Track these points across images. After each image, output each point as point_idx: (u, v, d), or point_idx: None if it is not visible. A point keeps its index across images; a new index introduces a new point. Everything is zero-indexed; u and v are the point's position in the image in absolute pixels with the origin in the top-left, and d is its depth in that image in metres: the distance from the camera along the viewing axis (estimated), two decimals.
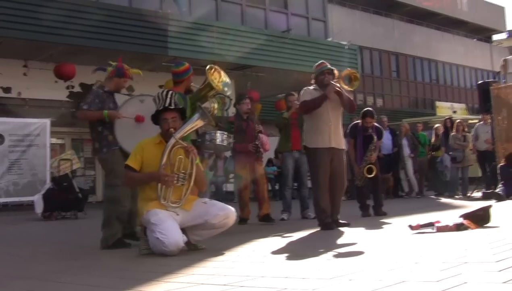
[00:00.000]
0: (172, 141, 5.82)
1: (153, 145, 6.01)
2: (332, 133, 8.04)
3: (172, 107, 6.01)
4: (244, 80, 19.60)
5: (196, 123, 6.19)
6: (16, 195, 15.33)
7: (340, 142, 8.20)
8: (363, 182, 10.42)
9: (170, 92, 6.18)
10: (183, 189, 5.89)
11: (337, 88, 7.87)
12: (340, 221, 8.19)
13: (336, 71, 8.22)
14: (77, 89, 17.69)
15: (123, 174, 6.14)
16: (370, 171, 10.25)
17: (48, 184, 13.79)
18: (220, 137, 8.30)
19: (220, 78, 7.61)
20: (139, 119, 6.82)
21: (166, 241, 5.51)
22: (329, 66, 8.22)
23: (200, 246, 6.06)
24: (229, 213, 6.02)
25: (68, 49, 15.77)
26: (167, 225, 5.61)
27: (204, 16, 19.04)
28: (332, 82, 7.94)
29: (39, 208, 12.50)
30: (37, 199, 12.68)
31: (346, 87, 8.06)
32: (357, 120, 11.12)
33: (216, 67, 7.82)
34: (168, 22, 17.53)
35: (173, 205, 5.82)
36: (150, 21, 17.01)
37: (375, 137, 10.32)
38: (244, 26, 19.96)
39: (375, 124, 10.71)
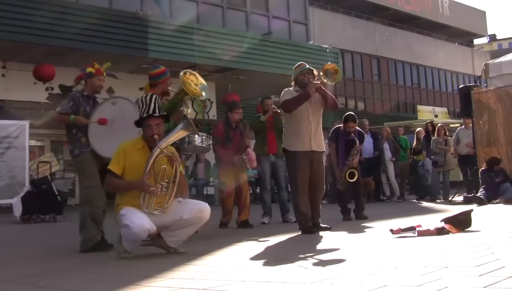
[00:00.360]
0: (156, 150, 5.80)
1: (135, 150, 5.97)
2: (312, 136, 8.04)
3: (157, 115, 5.98)
4: (225, 83, 19.59)
5: (180, 132, 6.22)
6: None
7: (320, 145, 8.20)
8: (344, 186, 10.41)
9: (154, 96, 6.15)
10: (165, 196, 5.89)
11: (319, 86, 7.87)
12: (322, 225, 8.18)
13: (315, 72, 8.19)
14: (57, 91, 17.59)
15: (93, 176, 6.23)
16: (352, 175, 10.24)
17: (27, 187, 13.68)
18: (198, 139, 8.29)
19: (198, 81, 7.56)
20: (101, 122, 6.79)
21: (131, 224, 5.56)
22: (308, 66, 8.22)
23: (179, 250, 6.05)
24: (203, 207, 6.07)
25: (48, 50, 15.68)
26: (134, 214, 5.69)
27: (185, 18, 19.00)
28: (313, 80, 7.93)
29: (17, 210, 12.40)
30: (16, 202, 12.58)
31: (328, 82, 8.11)
32: (339, 124, 11.12)
33: (190, 71, 7.77)
34: (149, 24, 17.48)
35: (156, 212, 5.82)
36: (130, 22, 16.96)
37: (357, 141, 10.30)
38: (225, 29, 19.96)
39: (357, 128, 10.69)
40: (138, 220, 5.61)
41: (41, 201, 12.87)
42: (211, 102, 21.22)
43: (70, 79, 16.78)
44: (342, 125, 10.62)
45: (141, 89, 8.04)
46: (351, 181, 10.27)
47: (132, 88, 15.25)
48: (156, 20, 17.73)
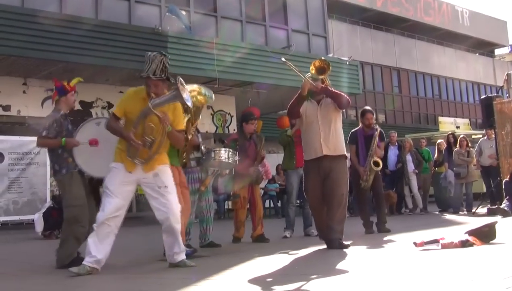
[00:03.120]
0: (147, 109, 6.07)
1: (138, 98, 6.29)
2: (323, 141, 7.74)
3: (154, 79, 6.21)
4: (244, 97, 19.61)
5: (172, 99, 6.24)
6: (16, 214, 15.30)
7: (335, 148, 7.83)
8: (368, 183, 10.32)
9: (160, 57, 6.34)
10: (150, 151, 6.15)
11: (320, 86, 7.68)
12: (343, 242, 7.65)
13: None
14: (77, 107, 17.69)
15: (80, 196, 6.58)
16: (376, 164, 10.21)
17: (48, 203, 13.73)
18: (224, 154, 8.32)
19: (196, 88, 7.60)
20: (92, 143, 6.87)
21: (100, 214, 6.05)
22: (310, 74, 7.87)
23: (188, 263, 6.27)
24: (169, 216, 6.20)
25: (67, 67, 15.79)
26: (111, 196, 6.08)
27: (204, 33, 19.06)
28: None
29: (39, 226, 12.45)
30: (37, 218, 12.63)
31: (321, 77, 7.73)
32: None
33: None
34: (168, 39, 17.55)
35: (137, 162, 6.12)
36: (149, 38, 17.04)
37: (378, 129, 10.38)
38: (244, 43, 19.99)
39: (379, 128, 10.68)
40: (105, 210, 6.02)
41: (63, 216, 12.91)
42: (231, 117, 21.25)
43: (90, 95, 16.98)
44: (359, 125, 10.66)
45: None
46: (377, 169, 10.21)
47: None
48: (175, 35, 17.80)
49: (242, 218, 9.82)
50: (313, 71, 7.60)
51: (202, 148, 8.37)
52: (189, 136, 7.46)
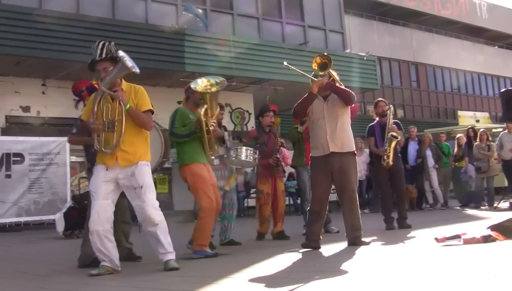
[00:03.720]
0: (99, 90, 6.04)
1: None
2: (330, 137, 7.55)
3: (98, 59, 6.19)
4: (262, 94, 19.59)
5: (120, 71, 6.13)
6: (37, 214, 15.38)
7: (343, 145, 7.61)
8: (389, 161, 10.27)
9: (102, 42, 6.30)
10: (113, 135, 5.97)
11: (325, 81, 7.56)
12: (363, 240, 7.54)
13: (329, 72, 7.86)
14: None
15: None
16: (394, 135, 10.24)
17: (69, 202, 13.79)
18: (245, 153, 8.34)
19: (207, 82, 7.61)
20: None
21: (90, 219, 6.00)
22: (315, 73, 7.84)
23: (171, 265, 5.97)
24: (145, 218, 6.00)
25: (85, 67, 15.82)
26: (92, 204, 6.00)
27: (221, 30, 19.07)
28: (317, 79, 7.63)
29: (60, 226, 12.51)
30: (58, 218, 12.69)
31: (323, 73, 7.62)
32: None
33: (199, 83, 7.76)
34: (185, 38, 17.57)
35: (106, 151, 5.96)
36: (166, 37, 17.08)
37: (391, 108, 10.63)
38: (261, 40, 19.97)
39: (391, 107, 10.76)
40: (96, 214, 5.92)
41: (83, 216, 12.95)
42: (249, 114, 21.25)
43: None
44: (376, 120, 10.78)
45: (179, 103, 8.06)
46: (396, 139, 10.24)
47: (170, 102, 15.26)
48: (192, 33, 17.82)
49: (266, 213, 9.77)
50: (316, 68, 7.51)
51: (226, 139, 8.38)
52: (211, 128, 7.44)
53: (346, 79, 20.82)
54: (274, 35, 20.73)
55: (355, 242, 7.41)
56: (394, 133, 10.25)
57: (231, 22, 19.90)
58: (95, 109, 5.96)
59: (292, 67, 7.70)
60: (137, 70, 6.06)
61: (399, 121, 10.93)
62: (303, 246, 7.44)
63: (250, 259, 6.59)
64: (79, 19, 16.03)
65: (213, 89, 7.51)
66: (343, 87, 7.81)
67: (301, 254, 7.01)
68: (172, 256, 6.02)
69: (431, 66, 35.81)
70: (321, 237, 7.64)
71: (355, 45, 25.08)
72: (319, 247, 7.42)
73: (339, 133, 7.59)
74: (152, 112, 6.30)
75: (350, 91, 7.73)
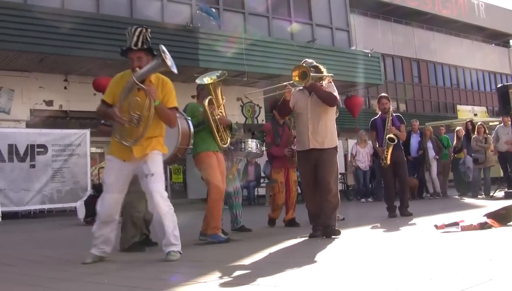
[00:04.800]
0: (131, 81, 5.62)
1: (124, 81, 5.78)
2: (311, 134, 7.33)
3: (135, 48, 5.79)
4: (272, 89, 19.61)
5: (155, 67, 5.72)
6: (60, 202, 15.50)
7: (323, 141, 7.34)
8: (387, 160, 10.27)
9: (139, 29, 5.90)
10: (138, 129, 5.63)
11: (289, 97, 7.42)
12: (336, 229, 7.18)
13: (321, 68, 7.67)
14: None
15: (135, 181, 5.96)
16: (391, 139, 10.18)
17: (89, 191, 13.87)
18: (252, 144, 8.38)
19: (210, 76, 7.68)
20: None
21: (101, 210, 5.75)
22: (312, 62, 7.71)
23: (170, 257, 5.62)
24: (154, 206, 5.66)
25: (105, 64, 15.91)
26: (104, 197, 5.74)
27: (233, 28, 19.09)
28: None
29: (81, 213, 12.57)
30: (79, 205, 12.76)
31: (305, 82, 7.13)
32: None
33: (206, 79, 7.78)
34: (199, 35, 17.61)
35: (125, 143, 5.63)
36: (181, 35, 17.12)
37: (391, 108, 10.44)
38: (271, 38, 19.98)
39: (394, 114, 10.65)
40: (108, 207, 5.72)
41: None
42: (260, 108, 21.27)
43: None
44: (378, 114, 10.68)
45: (193, 97, 8.10)
46: (392, 143, 10.14)
47: (185, 96, 15.26)
48: (205, 31, 17.86)
49: (280, 202, 9.78)
50: (296, 78, 7.07)
51: (234, 127, 8.39)
52: (217, 117, 7.48)
53: (351, 75, 20.86)
54: (283, 33, 20.73)
55: (326, 231, 7.11)
56: (392, 136, 10.19)
57: (243, 21, 19.91)
58: (123, 99, 5.62)
59: (255, 91, 7.61)
60: (175, 70, 5.61)
61: (400, 115, 10.90)
62: (311, 237, 7.24)
63: (261, 245, 6.63)
64: (99, 18, 16.11)
65: (210, 80, 7.58)
66: (325, 89, 7.43)
67: (308, 240, 7.03)
68: (174, 248, 5.65)
69: (432, 63, 35.71)
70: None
71: (360, 43, 25.05)
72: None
73: (321, 129, 7.36)
74: (177, 109, 6.03)
75: (331, 93, 7.39)
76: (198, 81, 7.68)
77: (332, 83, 7.66)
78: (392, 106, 10.83)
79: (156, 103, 5.62)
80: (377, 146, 10.61)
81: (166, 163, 6.84)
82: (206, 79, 7.63)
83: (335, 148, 7.47)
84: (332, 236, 6.98)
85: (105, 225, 5.79)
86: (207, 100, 7.42)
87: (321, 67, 7.68)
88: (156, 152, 5.78)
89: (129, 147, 5.65)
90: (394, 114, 10.60)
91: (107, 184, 5.75)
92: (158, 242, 5.92)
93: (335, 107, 7.62)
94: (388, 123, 10.29)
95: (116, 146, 5.78)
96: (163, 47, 5.63)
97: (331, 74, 7.80)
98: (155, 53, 5.82)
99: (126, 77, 5.78)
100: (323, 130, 7.36)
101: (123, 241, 6.85)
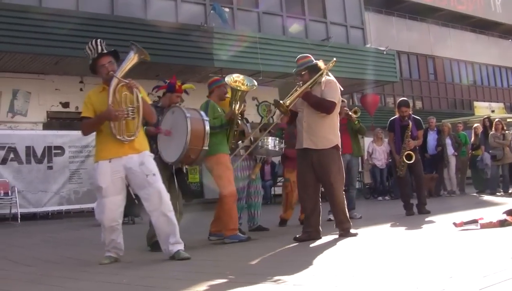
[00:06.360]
0: (114, 81, 5.77)
1: (98, 94, 5.96)
2: (305, 133, 7.06)
3: (106, 52, 5.96)
4: (287, 88, 19.58)
5: (132, 59, 6.03)
6: (77, 203, 15.57)
7: (317, 141, 7.03)
8: (403, 171, 10.24)
9: (99, 40, 6.10)
10: (134, 122, 5.78)
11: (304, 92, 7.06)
12: (350, 232, 7.05)
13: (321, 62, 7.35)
14: None
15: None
16: (409, 157, 10.11)
17: None
18: (271, 143, 8.37)
19: (240, 79, 7.65)
20: (166, 133, 6.79)
21: (102, 217, 5.87)
22: (297, 69, 7.45)
23: (183, 255, 5.66)
24: (161, 205, 5.71)
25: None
26: (110, 200, 5.81)
27: (247, 28, 19.09)
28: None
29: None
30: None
31: (244, 88, 7.44)
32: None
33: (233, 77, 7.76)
34: (213, 35, 17.62)
35: (129, 138, 5.75)
36: (196, 35, 17.14)
37: (410, 123, 10.19)
38: (285, 36, 19.95)
39: (414, 116, 10.59)
40: (109, 211, 5.80)
41: None
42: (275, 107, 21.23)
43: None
44: (397, 115, 10.56)
45: (208, 96, 8.13)
46: (409, 162, 10.10)
47: (200, 96, 15.27)
48: (220, 31, 17.86)
49: (292, 201, 9.79)
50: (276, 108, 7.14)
51: (247, 131, 8.41)
52: (239, 122, 7.55)
53: (366, 72, 20.79)
54: (298, 31, 20.68)
55: (347, 233, 6.97)
56: (409, 153, 10.08)
57: (257, 20, 19.89)
58: (111, 99, 5.72)
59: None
60: (148, 57, 6.02)
61: (419, 119, 10.78)
62: (295, 240, 6.82)
63: (279, 244, 6.62)
64: (113, 19, 16.16)
65: (243, 88, 7.57)
66: (317, 99, 7.06)
67: (323, 238, 7.00)
68: (181, 246, 5.75)
69: (448, 60, 35.48)
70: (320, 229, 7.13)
71: (375, 40, 24.95)
72: (316, 238, 6.87)
73: (316, 129, 7.05)
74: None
75: (322, 101, 7.02)
76: (227, 78, 7.65)
77: (334, 82, 7.27)
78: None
79: (141, 94, 5.84)
80: (393, 149, 10.53)
81: (178, 162, 6.88)
82: (235, 80, 7.61)
83: (335, 147, 7.12)
84: (350, 237, 6.89)
85: (110, 232, 5.87)
86: (237, 107, 7.48)
87: (319, 63, 7.34)
88: (148, 153, 5.90)
89: (122, 142, 5.74)
90: (412, 115, 10.53)
91: (103, 189, 5.76)
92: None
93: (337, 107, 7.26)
94: (406, 138, 10.17)
95: (102, 149, 5.89)
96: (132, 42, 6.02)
97: (325, 71, 7.36)
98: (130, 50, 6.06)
99: (99, 88, 6.04)
100: (319, 130, 7.06)
101: (147, 238, 6.97)
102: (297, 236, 6.83)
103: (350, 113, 10.15)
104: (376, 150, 17.04)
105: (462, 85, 35.69)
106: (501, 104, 35.63)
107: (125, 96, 5.78)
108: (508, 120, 20.88)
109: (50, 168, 15.28)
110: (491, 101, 35.54)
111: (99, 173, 5.81)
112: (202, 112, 7.02)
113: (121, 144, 5.75)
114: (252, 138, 8.51)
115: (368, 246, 6.05)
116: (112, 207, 5.81)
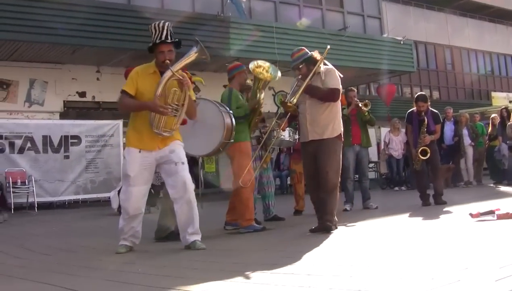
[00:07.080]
0: (168, 73, 5.65)
1: (147, 74, 5.85)
2: (309, 125, 6.95)
3: (169, 41, 5.83)
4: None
5: (192, 56, 5.96)
6: (93, 192, 15.68)
7: (323, 132, 6.89)
8: (419, 165, 10.19)
9: (167, 23, 5.97)
10: (174, 119, 5.73)
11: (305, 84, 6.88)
12: (330, 225, 6.67)
13: (316, 53, 7.15)
14: None
15: None
16: (424, 153, 10.05)
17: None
18: (286, 133, 8.37)
19: (265, 66, 7.59)
20: (182, 122, 6.74)
21: (127, 205, 5.78)
22: (295, 63, 7.13)
23: (199, 246, 5.67)
24: (186, 193, 5.70)
25: (137, 54, 15.98)
26: (136, 187, 5.75)
27: (264, 17, 19.04)
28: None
29: (115, 203, 12.68)
30: (113, 195, 12.87)
31: (266, 76, 7.35)
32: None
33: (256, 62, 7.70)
34: (230, 25, 17.59)
35: (165, 133, 5.69)
36: (212, 24, 17.11)
37: (425, 119, 10.12)
38: (302, 26, 19.88)
39: (432, 109, 10.51)
40: (135, 200, 5.76)
41: None
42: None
43: None
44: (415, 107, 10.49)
45: (225, 86, 8.08)
46: (424, 158, 10.05)
47: (216, 86, 15.33)
48: (236, 21, 17.84)
49: (300, 191, 9.84)
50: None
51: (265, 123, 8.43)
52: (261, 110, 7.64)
53: (383, 62, 20.69)
54: (315, 21, 20.60)
55: (323, 225, 6.62)
56: (425, 149, 10.00)
57: (274, 10, 19.84)
58: (160, 91, 5.62)
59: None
60: (208, 58, 5.98)
61: (437, 113, 10.66)
62: (311, 231, 6.63)
63: (294, 234, 6.62)
64: (130, 9, 16.18)
65: (265, 75, 7.53)
66: (319, 90, 6.94)
67: (339, 228, 6.98)
68: (199, 237, 5.76)
69: (466, 50, 35.22)
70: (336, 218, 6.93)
71: (392, 30, 24.80)
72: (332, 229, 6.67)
73: (320, 119, 6.93)
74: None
75: (328, 90, 6.90)
76: (250, 65, 7.59)
77: (332, 70, 7.10)
78: (425, 93, 10.69)
79: (190, 92, 5.74)
80: (411, 141, 10.47)
81: (209, 155, 6.89)
82: (259, 66, 7.57)
83: (338, 137, 7.00)
84: (324, 232, 6.49)
85: (132, 219, 5.83)
86: (262, 95, 7.53)
87: (315, 54, 7.14)
88: (179, 142, 5.87)
89: (155, 137, 5.70)
90: (431, 109, 10.44)
91: (131, 177, 5.73)
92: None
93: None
94: (422, 133, 10.11)
95: (135, 136, 5.82)
96: (197, 39, 5.85)
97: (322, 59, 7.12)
98: (192, 44, 5.98)
99: (149, 69, 5.89)
100: (323, 119, 6.94)
101: (161, 230, 6.87)
102: (313, 227, 6.73)
103: (360, 105, 10.15)
104: (392, 140, 16.96)
105: (479, 75, 35.40)
106: None
107: (173, 93, 5.72)
108: None
109: (67, 157, 15.39)
110: (509, 92, 35.22)
111: (129, 161, 5.78)
112: (225, 105, 7.04)
113: (155, 137, 5.72)
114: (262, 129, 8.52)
115: (385, 236, 6.03)
116: (138, 196, 5.81)
